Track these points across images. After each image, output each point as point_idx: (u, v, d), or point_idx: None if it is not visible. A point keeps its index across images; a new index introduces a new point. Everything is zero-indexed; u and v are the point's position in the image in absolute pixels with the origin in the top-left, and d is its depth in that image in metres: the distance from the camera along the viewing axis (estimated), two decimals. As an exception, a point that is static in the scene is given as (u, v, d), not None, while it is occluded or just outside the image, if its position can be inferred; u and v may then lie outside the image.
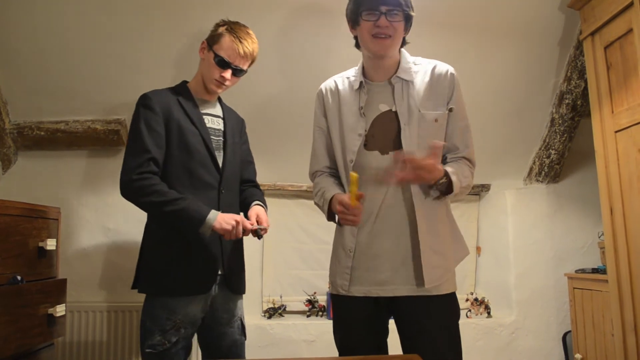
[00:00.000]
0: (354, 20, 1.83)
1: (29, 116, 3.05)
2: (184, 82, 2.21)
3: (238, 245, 2.17)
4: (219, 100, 2.28)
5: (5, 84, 2.90)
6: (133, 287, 2.06)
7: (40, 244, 2.21)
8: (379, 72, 1.87)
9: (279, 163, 3.32)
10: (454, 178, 1.74)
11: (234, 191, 2.19)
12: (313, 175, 2.04)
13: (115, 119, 3.08)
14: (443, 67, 1.87)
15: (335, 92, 1.94)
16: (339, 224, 1.91)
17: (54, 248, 2.32)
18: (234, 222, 1.91)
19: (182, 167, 2.01)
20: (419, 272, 1.74)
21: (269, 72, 2.95)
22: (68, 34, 2.75)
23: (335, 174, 1.98)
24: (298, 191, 3.46)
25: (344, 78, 1.96)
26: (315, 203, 1.96)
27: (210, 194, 2.05)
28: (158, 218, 2.01)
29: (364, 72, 1.90)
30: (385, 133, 1.80)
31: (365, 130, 1.82)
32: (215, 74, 2.08)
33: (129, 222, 3.13)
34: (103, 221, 3.19)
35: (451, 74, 1.86)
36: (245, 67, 2.14)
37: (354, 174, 1.64)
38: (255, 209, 2.13)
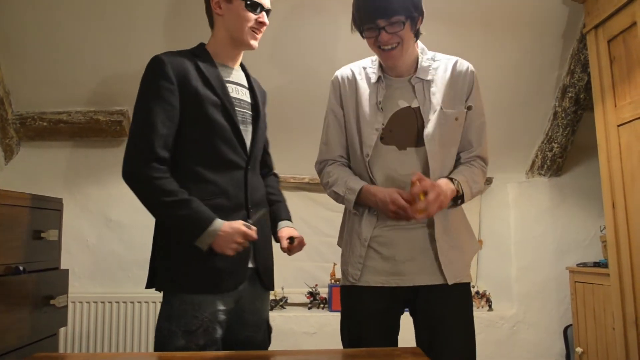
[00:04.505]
0: (360, 32, 1.76)
1: (31, 107, 3.06)
2: (202, 45, 1.87)
3: (267, 233, 1.90)
4: (243, 67, 1.94)
5: (8, 74, 2.90)
6: (148, 287, 1.76)
7: (43, 235, 2.21)
8: (396, 70, 1.82)
9: (280, 154, 3.28)
10: (465, 189, 1.75)
11: (257, 172, 1.90)
12: (323, 164, 1.93)
13: (117, 110, 3.08)
14: (464, 64, 1.84)
15: (353, 81, 1.87)
16: (355, 213, 1.85)
17: (56, 239, 2.32)
18: (239, 240, 1.61)
19: (202, 144, 1.71)
20: (439, 263, 1.74)
21: (270, 64, 2.95)
22: (71, 25, 2.74)
23: (348, 164, 1.91)
24: (300, 183, 3.46)
25: (361, 68, 1.88)
26: (332, 191, 1.85)
27: (236, 174, 1.75)
28: (157, 217, 1.73)
29: (381, 66, 1.84)
30: (404, 129, 1.77)
31: (383, 125, 1.78)
32: (250, 20, 1.77)
33: (132, 214, 3.13)
34: (105, 212, 3.19)
35: (471, 71, 1.84)
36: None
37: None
38: (287, 232, 1.91)
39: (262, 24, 1.80)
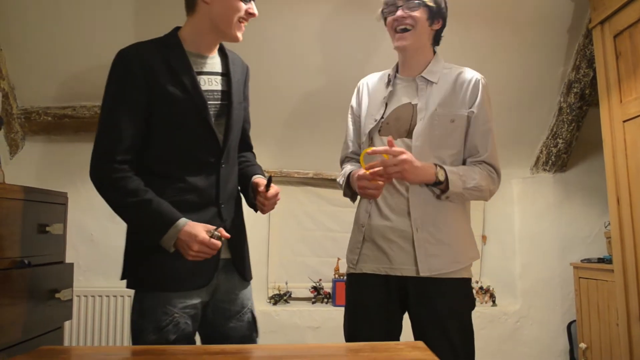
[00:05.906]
0: (384, 19, 1.91)
1: (36, 102, 3.06)
2: (175, 30, 1.74)
3: (240, 224, 1.82)
4: (220, 49, 1.80)
5: (13, 69, 2.90)
6: (122, 278, 1.75)
7: (48, 229, 2.22)
8: (408, 68, 1.92)
9: (285, 150, 3.32)
10: (451, 177, 1.72)
11: (233, 162, 1.79)
12: (342, 162, 2.08)
13: (122, 104, 3.08)
14: (469, 74, 1.88)
15: (372, 84, 2.02)
16: (350, 199, 1.99)
17: (61, 233, 2.33)
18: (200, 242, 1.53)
19: (171, 145, 1.64)
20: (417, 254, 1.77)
21: (275, 60, 2.95)
22: (75, 20, 2.74)
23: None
24: (304, 178, 3.46)
25: (384, 74, 2.02)
26: (338, 183, 2.02)
27: (208, 171, 1.68)
28: (122, 218, 1.68)
29: (398, 67, 1.97)
30: (400, 122, 1.84)
31: (383, 117, 1.87)
32: (240, 11, 1.65)
33: (136, 208, 3.14)
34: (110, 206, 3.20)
35: (477, 79, 1.86)
36: None
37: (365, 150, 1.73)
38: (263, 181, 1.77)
39: (251, 15, 1.69)
